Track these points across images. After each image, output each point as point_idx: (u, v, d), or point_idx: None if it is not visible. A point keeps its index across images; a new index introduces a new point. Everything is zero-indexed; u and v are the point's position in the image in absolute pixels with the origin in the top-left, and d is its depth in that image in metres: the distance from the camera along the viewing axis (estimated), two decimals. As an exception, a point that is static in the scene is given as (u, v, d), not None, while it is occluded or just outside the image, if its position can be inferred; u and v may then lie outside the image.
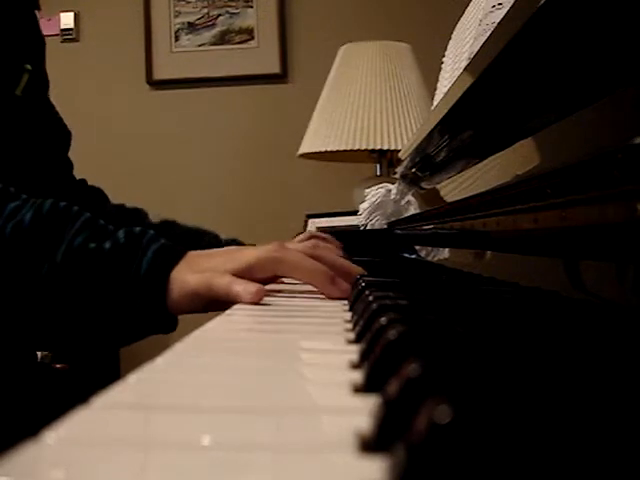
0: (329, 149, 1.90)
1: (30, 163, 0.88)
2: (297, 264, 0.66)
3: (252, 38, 2.60)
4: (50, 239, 0.64)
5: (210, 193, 2.54)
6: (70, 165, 1.05)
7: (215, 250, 0.69)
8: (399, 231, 1.20)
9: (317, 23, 2.57)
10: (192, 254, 0.67)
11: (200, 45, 2.62)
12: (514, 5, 0.47)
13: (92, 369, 2.25)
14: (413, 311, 0.44)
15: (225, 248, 0.72)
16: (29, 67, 0.89)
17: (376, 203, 1.29)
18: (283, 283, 0.79)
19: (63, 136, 1.02)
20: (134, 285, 0.64)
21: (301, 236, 0.94)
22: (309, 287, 0.71)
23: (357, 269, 0.74)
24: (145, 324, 0.66)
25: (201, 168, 2.58)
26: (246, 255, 0.66)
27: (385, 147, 1.86)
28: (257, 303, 0.61)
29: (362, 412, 0.24)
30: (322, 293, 0.67)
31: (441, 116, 0.71)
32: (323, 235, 1.03)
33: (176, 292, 0.64)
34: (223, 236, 1.04)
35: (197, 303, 0.65)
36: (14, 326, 0.68)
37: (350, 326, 0.47)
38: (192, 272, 0.65)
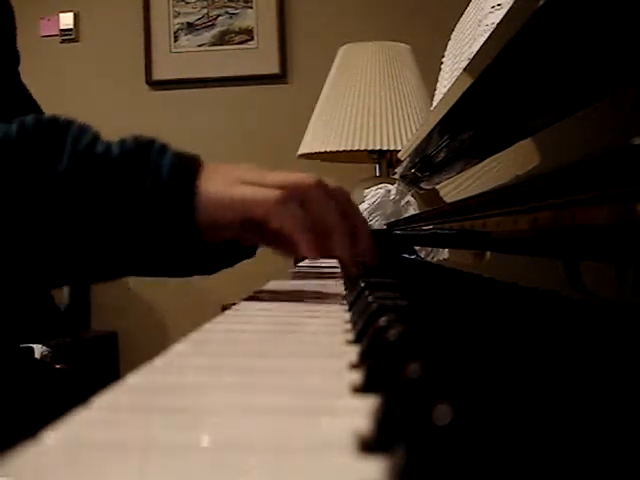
0: (328, 149, 1.90)
1: None
2: (322, 209, 0.59)
3: (251, 38, 2.60)
4: (46, 148, 0.54)
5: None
6: None
7: (234, 166, 0.61)
8: (398, 231, 1.20)
9: (317, 24, 2.57)
10: (211, 165, 0.59)
11: (200, 45, 2.62)
12: (513, 6, 0.47)
13: (92, 369, 2.25)
14: (413, 312, 0.44)
15: (240, 169, 0.61)
16: None
17: (375, 203, 1.30)
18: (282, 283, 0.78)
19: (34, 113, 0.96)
20: (156, 193, 0.55)
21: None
22: (309, 287, 0.71)
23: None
24: (170, 240, 0.56)
25: (200, 168, 2.58)
26: (282, 175, 0.59)
27: (384, 147, 1.87)
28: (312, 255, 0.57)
29: (361, 413, 0.24)
30: (338, 253, 0.62)
31: (440, 116, 0.71)
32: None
33: (209, 201, 0.55)
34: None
35: (233, 218, 0.57)
36: (16, 262, 0.56)
37: (349, 326, 0.47)
38: (226, 179, 0.57)
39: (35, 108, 0.94)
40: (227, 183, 0.57)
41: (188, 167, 0.56)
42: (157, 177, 0.55)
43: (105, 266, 0.59)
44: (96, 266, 0.59)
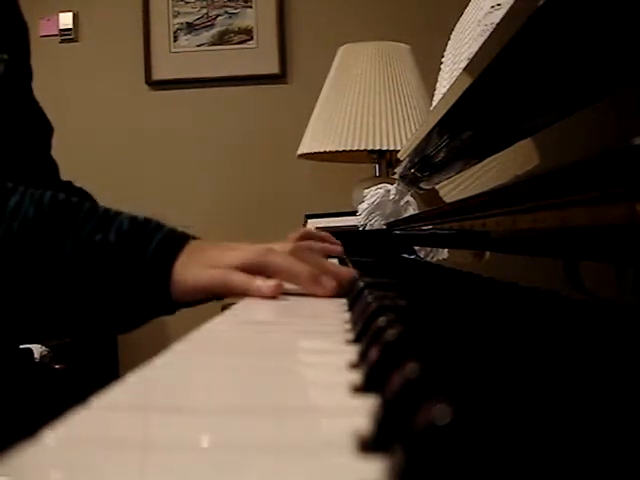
0: (328, 149, 1.90)
1: (7, 157, 0.86)
2: (280, 266, 0.68)
3: (251, 38, 2.60)
4: (57, 233, 0.66)
5: (209, 193, 2.54)
6: (54, 165, 1.02)
7: (209, 243, 0.72)
8: (398, 231, 1.20)
9: (316, 23, 2.57)
10: (194, 243, 0.69)
11: (199, 45, 2.62)
12: (513, 6, 0.47)
13: (91, 369, 2.25)
14: (412, 312, 0.44)
15: (217, 243, 0.73)
16: (5, 57, 0.86)
17: (375, 203, 1.30)
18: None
19: (44, 131, 1.00)
20: (139, 274, 0.66)
21: (294, 234, 0.94)
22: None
23: (345, 271, 0.75)
24: (150, 309, 0.69)
25: (200, 168, 2.58)
26: (236, 254, 0.68)
27: (384, 147, 1.86)
28: (271, 297, 0.64)
29: (361, 412, 0.24)
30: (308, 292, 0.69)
31: (440, 116, 0.71)
32: (321, 234, 1.03)
33: (182, 283, 0.66)
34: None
35: (202, 295, 0.68)
36: (20, 318, 0.70)
37: (349, 326, 0.47)
38: (197, 264, 0.67)
39: (45, 123, 0.96)
40: (197, 266, 0.67)
41: (168, 254, 0.67)
42: (142, 259, 0.66)
43: (90, 324, 0.72)
44: (82, 324, 0.72)
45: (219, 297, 0.72)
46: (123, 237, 0.67)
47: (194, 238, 0.71)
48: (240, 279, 0.65)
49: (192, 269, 0.67)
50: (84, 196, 1.01)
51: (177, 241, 0.68)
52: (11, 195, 0.67)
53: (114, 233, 0.67)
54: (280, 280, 0.68)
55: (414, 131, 1.67)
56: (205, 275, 0.66)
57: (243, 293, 0.65)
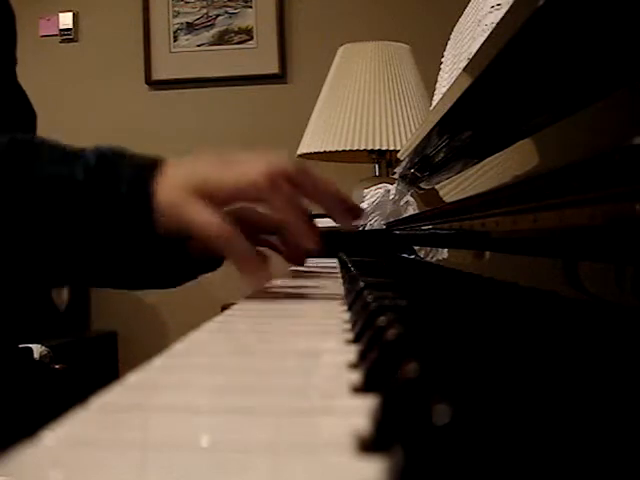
0: (328, 149, 1.90)
1: None
2: (288, 204, 0.62)
3: (251, 38, 2.60)
4: (14, 172, 0.59)
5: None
6: None
7: (197, 160, 0.66)
8: (398, 231, 1.20)
9: (316, 23, 2.57)
10: (171, 163, 0.63)
11: (199, 45, 2.62)
12: (513, 6, 0.47)
13: (91, 369, 2.25)
14: (412, 311, 0.44)
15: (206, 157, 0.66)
16: None
17: (375, 203, 1.30)
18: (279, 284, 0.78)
19: (28, 118, 0.98)
20: (117, 209, 0.60)
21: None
22: (309, 287, 0.71)
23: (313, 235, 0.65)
24: (139, 250, 0.62)
25: (200, 168, 2.58)
26: (237, 174, 0.62)
27: (384, 147, 1.87)
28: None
29: (360, 412, 0.24)
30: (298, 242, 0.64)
31: (440, 116, 0.71)
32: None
33: (166, 215, 0.60)
34: None
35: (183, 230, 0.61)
36: None
37: (349, 326, 0.47)
38: (176, 194, 0.60)
39: (28, 108, 0.94)
40: (180, 196, 0.60)
41: (146, 180, 0.60)
42: (117, 193, 0.59)
43: (71, 272, 0.65)
44: (62, 271, 0.65)
45: (216, 264, 0.67)
46: (92, 169, 0.60)
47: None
48: (238, 246, 0.59)
49: (174, 196, 0.60)
50: None
51: (151, 165, 0.62)
52: None
53: (82, 167, 0.60)
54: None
55: (414, 131, 1.67)
56: (188, 210, 0.59)
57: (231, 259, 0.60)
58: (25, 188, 0.59)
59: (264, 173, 0.61)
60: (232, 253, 0.61)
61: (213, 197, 0.61)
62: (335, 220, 0.67)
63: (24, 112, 0.95)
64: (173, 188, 0.61)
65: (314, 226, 0.66)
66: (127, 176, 0.60)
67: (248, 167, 0.62)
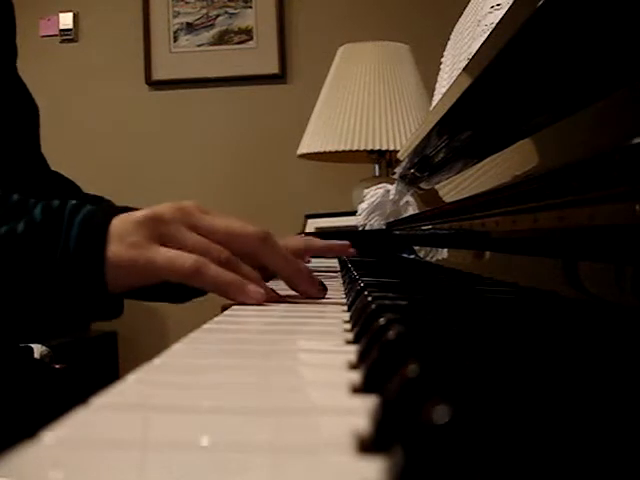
0: (328, 149, 1.90)
1: None
2: (281, 256, 0.60)
3: (251, 38, 2.60)
4: None
5: (208, 193, 2.54)
6: (41, 158, 0.99)
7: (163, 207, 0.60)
8: (398, 231, 1.20)
9: (316, 24, 2.57)
10: (122, 216, 0.58)
11: (199, 45, 2.62)
12: (513, 6, 0.47)
13: (91, 369, 2.25)
14: (412, 311, 0.44)
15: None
16: None
17: (375, 203, 1.30)
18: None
19: (30, 111, 0.96)
20: (64, 266, 0.55)
21: (294, 241, 0.88)
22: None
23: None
24: (86, 307, 0.58)
25: (200, 168, 2.59)
26: (228, 222, 0.60)
27: (384, 147, 1.87)
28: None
29: (360, 412, 0.24)
30: (301, 292, 0.64)
31: (440, 117, 0.71)
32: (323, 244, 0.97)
33: (119, 271, 0.56)
34: None
35: (140, 281, 0.57)
36: None
37: (349, 326, 0.47)
38: (134, 241, 0.56)
39: (30, 101, 0.94)
40: (136, 245, 0.56)
41: (96, 234, 0.56)
42: (66, 249, 0.56)
43: (24, 329, 0.63)
44: (16, 329, 0.63)
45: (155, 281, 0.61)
46: (35, 225, 0.56)
47: (127, 209, 0.60)
48: (216, 273, 0.55)
49: (127, 248, 0.56)
50: (71, 188, 0.99)
51: (103, 219, 0.57)
52: None
53: (23, 222, 0.56)
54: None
55: (414, 131, 1.67)
56: (144, 256, 0.55)
57: (212, 289, 0.57)
58: None
59: (258, 231, 0.60)
60: (208, 284, 0.57)
61: (169, 234, 0.57)
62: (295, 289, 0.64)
63: (26, 105, 0.94)
64: (125, 240, 0.57)
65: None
66: (76, 233, 0.56)
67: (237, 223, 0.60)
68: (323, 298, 0.64)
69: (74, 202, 0.59)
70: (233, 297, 0.57)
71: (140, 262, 0.55)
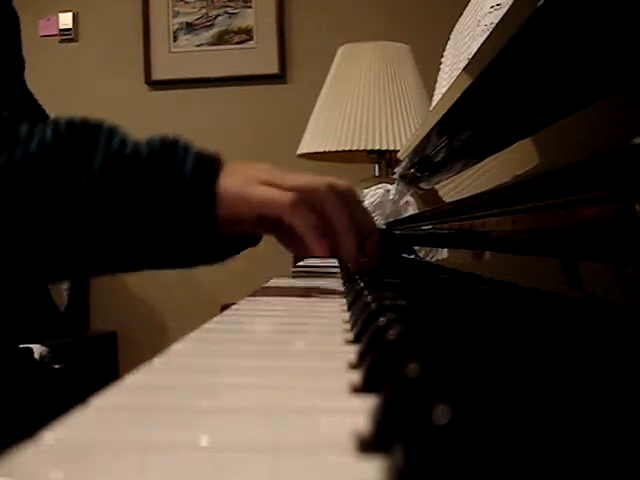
0: (328, 149, 1.90)
1: None
2: (341, 214, 0.64)
3: (251, 38, 2.60)
4: (81, 150, 0.59)
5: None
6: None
7: (254, 165, 0.67)
8: (398, 231, 1.20)
9: (316, 24, 2.57)
10: (232, 163, 0.64)
11: (199, 45, 2.62)
12: (512, 6, 0.47)
13: (91, 369, 2.25)
14: (412, 311, 0.44)
15: (260, 166, 0.67)
16: None
17: (375, 203, 1.29)
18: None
19: (39, 119, 0.97)
20: (180, 191, 0.59)
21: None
22: (309, 287, 0.71)
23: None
24: (193, 232, 0.61)
25: (200, 168, 2.58)
26: (298, 177, 0.64)
27: (384, 147, 1.87)
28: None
29: (360, 412, 0.24)
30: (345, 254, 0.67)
31: (440, 116, 0.71)
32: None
33: (229, 196, 0.60)
34: None
35: (248, 212, 0.62)
36: (53, 252, 0.60)
37: (349, 326, 0.47)
38: (245, 177, 0.62)
39: (41, 113, 0.94)
40: (246, 182, 0.61)
41: (210, 166, 0.61)
42: (181, 175, 0.59)
43: (131, 256, 0.63)
44: (123, 256, 0.63)
45: (255, 241, 0.67)
46: (156, 150, 0.60)
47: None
48: (310, 217, 0.61)
49: (243, 181, 0.61)
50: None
51: (214, 156, 0.63)
52: (19, 126, 0.60)
53: (146, 146, 0.60)
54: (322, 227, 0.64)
55: (414, 131, 1.67)
56: (262, 190, 0.60)
57: (293, 229, 0.62)
58: (90, 166, 0.58)
59: (323, 183, 0.64)
60: (303, 224, 0.62)
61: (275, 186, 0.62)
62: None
63: (34, 116, 0.95)
64: (237, 176, 0.62)
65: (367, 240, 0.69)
66: (191, 162, 0.60)
67: (305, 176, 0.65)
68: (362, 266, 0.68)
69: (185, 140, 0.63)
70: (309, 243, 0.63)
71: (245, 194, 0.60)
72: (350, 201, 0.67)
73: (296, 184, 0.62)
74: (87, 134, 0.60)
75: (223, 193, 0.60)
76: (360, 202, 0.71)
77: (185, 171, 0.59)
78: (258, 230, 0.67)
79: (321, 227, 0.63)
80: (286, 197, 0.61)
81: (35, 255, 0.60)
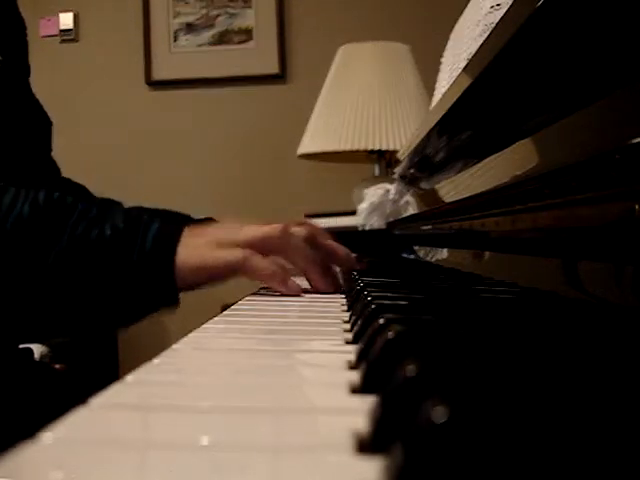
0: (328, 149, 1.90)
1: (7, 156, 0.86)
2: (299, 251, 0.69)
3: (251, 38, 2.60)
4: (52, 230, 0.65)
5: (209, 193, 2.54)
6: (54, 164, 1.01)
7: (215, 225, 0.72)
8: (398, 231, 1.20)
9: (316, 24, 2.57)
10: (192, 229, 0.68)
11: (199, 45, 2.62)
12: (513, 6, 0.47)
13: (91, 369, 2.25)
14: (411, 311, 0.44)
15: (223, 223, 0.73)
16: (0, 58, 0.85)
17: (375, 203, 1.30)
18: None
19: (44, 127, 0.99)
20: (140, 266, 0.64)
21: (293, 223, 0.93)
22: (309, 287, 0.71)
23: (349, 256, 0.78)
24: (153, 301, 0.67)
25: (200, 168, 2.58)
26: (251, 230, 0.69)
27: (384, 147, 1.86)
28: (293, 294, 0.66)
29: (359, 412, 0.24)
30: (313, 285, 0.72)
31: (439, 117, 0.71)
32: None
33: (186, 267, 0.65)
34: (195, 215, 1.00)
35: (207, 277, 0.67)
36: (18, 318, 0.68)
37: (348, 326, 0.47)
38: (204, 246, 0.66)
39: (44, 119, 0.95)
40: (203, 248, 0.66)
41: (170, 239, 0.66)
42: (142, 250, 0.65)
43: (94, 321, 0.70)
44: (86, 321, 0.69)
45: (219, 281, 0.71)
46: (119, 231, 0.66)
47: (192, 220, 0.69)
48: (263, 265, 0.65)
49: (198, 250, 0.66)
50: (82, 192, 1.01)
51: (177, 226, 0.67)
52: (4, 193, 0.66)
53: (109, 228, 0.66)
54: (293, 263, 0.69)
55: (414, 131, 1.67)
56: (215, 256, 0.65)
57: (260, 280, 0.65)
58: (58, 246, 0.64)
59: (277, 228, 0.69)
60: (259, 275, 0.66)
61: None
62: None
63: (39, 121, 0.95)
64: (193, 247, 0.66)
65: (329, 269, 0.74)
66: (151, 238, 0.65)
67: (261, 227, 0.70)
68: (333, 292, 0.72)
69: (152, 208, 0.71)
70: (277, 287, 0.67)
71: (203, 263, 0.65)
72: (306, 234, 0.73)
73: (250, 237, 0.68)
74: (59, 213, 0.66)
75: (180, 266, 0.65)
76: (316, 230, 0.77)
77: (146, 246, 0.65)
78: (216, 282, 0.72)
79: (279, 270, 0.67)
80: (239, 256, 0.65)
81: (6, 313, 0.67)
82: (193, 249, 0.66)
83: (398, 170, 1.21)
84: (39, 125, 0.96)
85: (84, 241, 0.65)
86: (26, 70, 0.93)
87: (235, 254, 0.65)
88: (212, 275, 0.67)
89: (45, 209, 0.66)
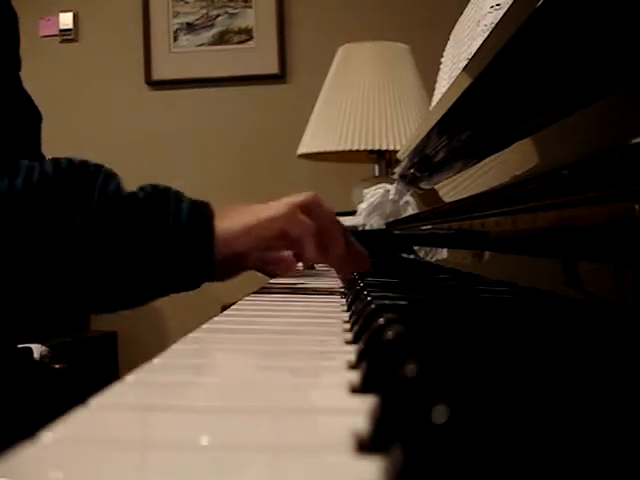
0: (328, 149, 1.90)
1: None
2: (333, 217, 0.69)
3: (251, 38, 2.60)
4: (79, 187, 0.59)
5: (208, 193, 2.52)
6: (44, 160, 1.00)
7: (237, 205, 0.69)
8: (397, 231, 1.20)
9: (316, 24, 2.57)
10: (221, 207, 0.66)
11: (199, 45, 2.62)
12: (512, 6, 0.47)
13: (91, 369, 2.25)
14: (411, 311, 0.44)
15: (244, 205, 0.70)
16: None
17: (375, 203, 1.29)
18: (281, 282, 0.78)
19: (33, 121, 0.98)
20: (177, 234, 0.60)
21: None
22: (309, 287, 0.71)
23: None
24: (189, 273, 0.63)
25: (200, 168, 2.58)
26: (286, 199, 0.67)
27: (383, 147, 1.86)
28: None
29: (359, 412, 0.24)
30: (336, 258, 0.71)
31: (439, 117, 0.71)
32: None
33: (229, 234, 0.63)
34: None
35: (253, 240, 0.64)
36: (44, 289, 0.61)
37: (348, 326, 0.47)
38: (237, 215, 0.65)
39: (33, 110, 0.94)
40: (240, 217, 0.64)
41: (203, 210, 0.62)
42: (178, 219, 0.60)
43: (126, 295, 0.64)
44: (117, 295, 0.63)
45: (266, 245, 0.68)
46: (151, 195, 0.61)
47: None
48: (308, 221, 0.65)
49: (237, 217, 0.64)
50: None
51: (206, 203, 0.64)
52: (21, 160, 0.61)
53: (140, 191, 0.61)
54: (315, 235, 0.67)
55: (414, 131, 1.67)
56: (257, 217, 0.64)
57: (295, 242, 0.65)
58: (90, 202, 0.59)
59: (311, 195, 0.69)
60: (302, 229, 0.66)
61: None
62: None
63: (29, 115, 0.95)
64: (229, 217, 0.64)
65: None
66: (186, 207, 0.62)
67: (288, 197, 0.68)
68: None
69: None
70: (307, 246, 0.66)
71: (242, 225, 0.63)
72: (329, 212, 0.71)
73: (286, 201, 0.66)
74: (85, 173, 0.61)
75: (220, 232, 0.62)
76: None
77: (181, 215, 0.61)
78: (262, 265, 0.72)
79: (316, 231, 0.66)
80: (282, 208, 0.65)
81: (28, 282, 0.60)
82: (230, 218, 0.63)
83: (398, 170, 1.21)
84: (29, 119, 0.95)
85: (116, 200, 0.59)
86: (17, 64, 0.92)
87: (280, 208, 0.64)
88: (259, 237, 0.64)
89: (69, 168, 0.61)
